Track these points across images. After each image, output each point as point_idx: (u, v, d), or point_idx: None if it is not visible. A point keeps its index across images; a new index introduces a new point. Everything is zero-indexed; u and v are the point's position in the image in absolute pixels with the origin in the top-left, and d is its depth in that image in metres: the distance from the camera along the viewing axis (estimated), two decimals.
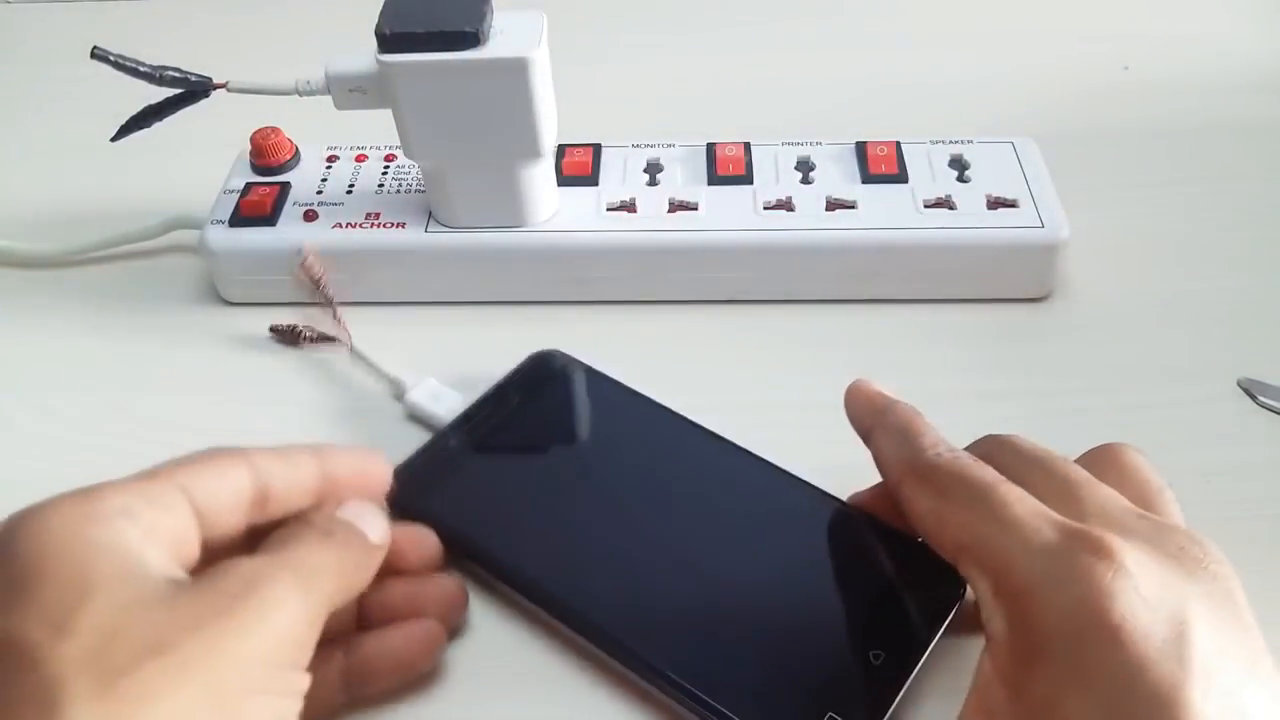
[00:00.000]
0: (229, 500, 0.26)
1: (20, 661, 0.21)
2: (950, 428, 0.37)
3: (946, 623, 0.30)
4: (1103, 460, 0.29)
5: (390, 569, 0.30)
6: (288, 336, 0.41)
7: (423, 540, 0.32)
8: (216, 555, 0.26)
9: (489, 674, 0.31)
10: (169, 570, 0.24)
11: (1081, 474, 0.27)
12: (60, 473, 0.37)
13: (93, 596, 0.22)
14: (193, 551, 0.26)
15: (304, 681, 0.25)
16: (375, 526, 0.29)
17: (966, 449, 0.29)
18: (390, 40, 0.37)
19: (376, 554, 0.29)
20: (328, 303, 0.41)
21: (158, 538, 0.24)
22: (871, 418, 0.31)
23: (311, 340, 0.41)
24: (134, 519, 0.24)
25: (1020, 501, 0.26)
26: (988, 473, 0.27)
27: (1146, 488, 0.28)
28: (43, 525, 0.24)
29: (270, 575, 0.25)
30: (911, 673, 0.29)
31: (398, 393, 0.39)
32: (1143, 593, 0.23)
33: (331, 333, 0.41)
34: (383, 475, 0.31)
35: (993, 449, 0.29)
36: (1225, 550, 0.33)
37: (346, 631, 0.30)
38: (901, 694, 0.29)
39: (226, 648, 0.23)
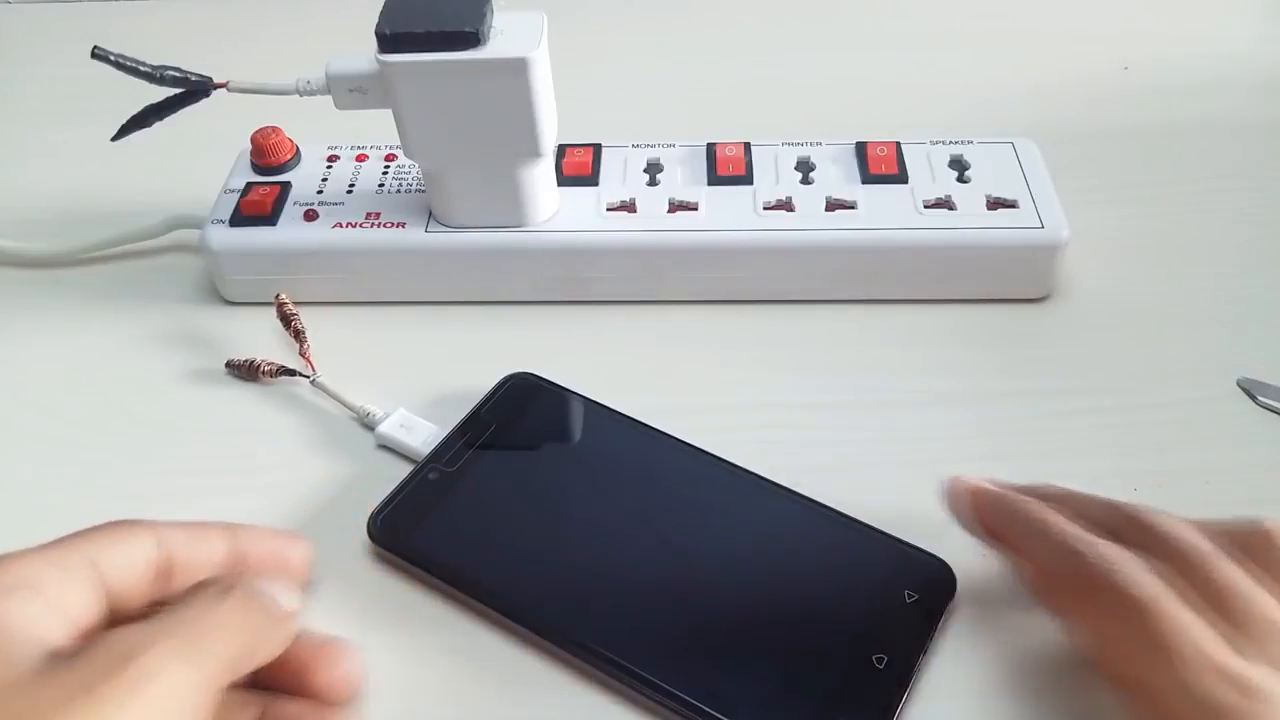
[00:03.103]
0: (134, 571, 0.27)
1: None
2: (951, 428, 0.37)
3: (942, 619, 0.31)
4: (1258, 547, 0.27)
5: (294, 683, 0.28)
6: (245, 372, 0.40)
7: (337, 661, 0.29)
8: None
9: (492, 702, 0.31)
10: (59, 644, 0.24)
11: (1238, 581, 0.26)
12: (60, 472, 0.38)
13: None
14: (96, 625, 0.25)
15: None
16: (285, 595, 0.27)
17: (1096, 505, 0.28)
18: (390, 40, 0.37)
19: (285, 621, 0.27)
20: (296, 338, 0.40)
21: (61, 609, 0.24)
22: (1001, 523, 0.29)
23: (271, 375, 0.40)
24: (39, 590, 0.24)
25: (1185, 633, 0.24)
26: (1146, 583, 0.25)
27: None
28: None
29: (147, 643, 0.23)
30: (915, 672, 0.29)
31: (368, 424, 0.38)
32: None
33: (294, 366, 0.40)
34: (300, 560, 0.31)
35: (1126, 526, 0.27)
36: None
37: None
38: (907, 694, 0.29)
39: None
